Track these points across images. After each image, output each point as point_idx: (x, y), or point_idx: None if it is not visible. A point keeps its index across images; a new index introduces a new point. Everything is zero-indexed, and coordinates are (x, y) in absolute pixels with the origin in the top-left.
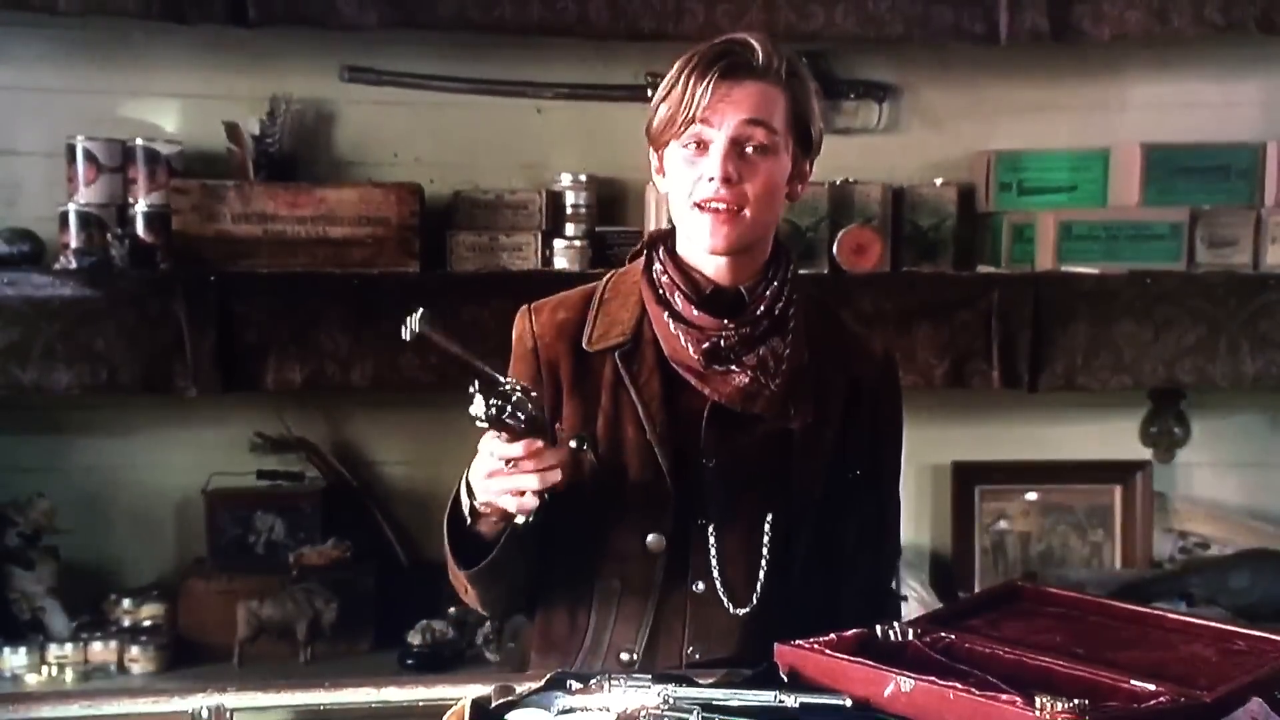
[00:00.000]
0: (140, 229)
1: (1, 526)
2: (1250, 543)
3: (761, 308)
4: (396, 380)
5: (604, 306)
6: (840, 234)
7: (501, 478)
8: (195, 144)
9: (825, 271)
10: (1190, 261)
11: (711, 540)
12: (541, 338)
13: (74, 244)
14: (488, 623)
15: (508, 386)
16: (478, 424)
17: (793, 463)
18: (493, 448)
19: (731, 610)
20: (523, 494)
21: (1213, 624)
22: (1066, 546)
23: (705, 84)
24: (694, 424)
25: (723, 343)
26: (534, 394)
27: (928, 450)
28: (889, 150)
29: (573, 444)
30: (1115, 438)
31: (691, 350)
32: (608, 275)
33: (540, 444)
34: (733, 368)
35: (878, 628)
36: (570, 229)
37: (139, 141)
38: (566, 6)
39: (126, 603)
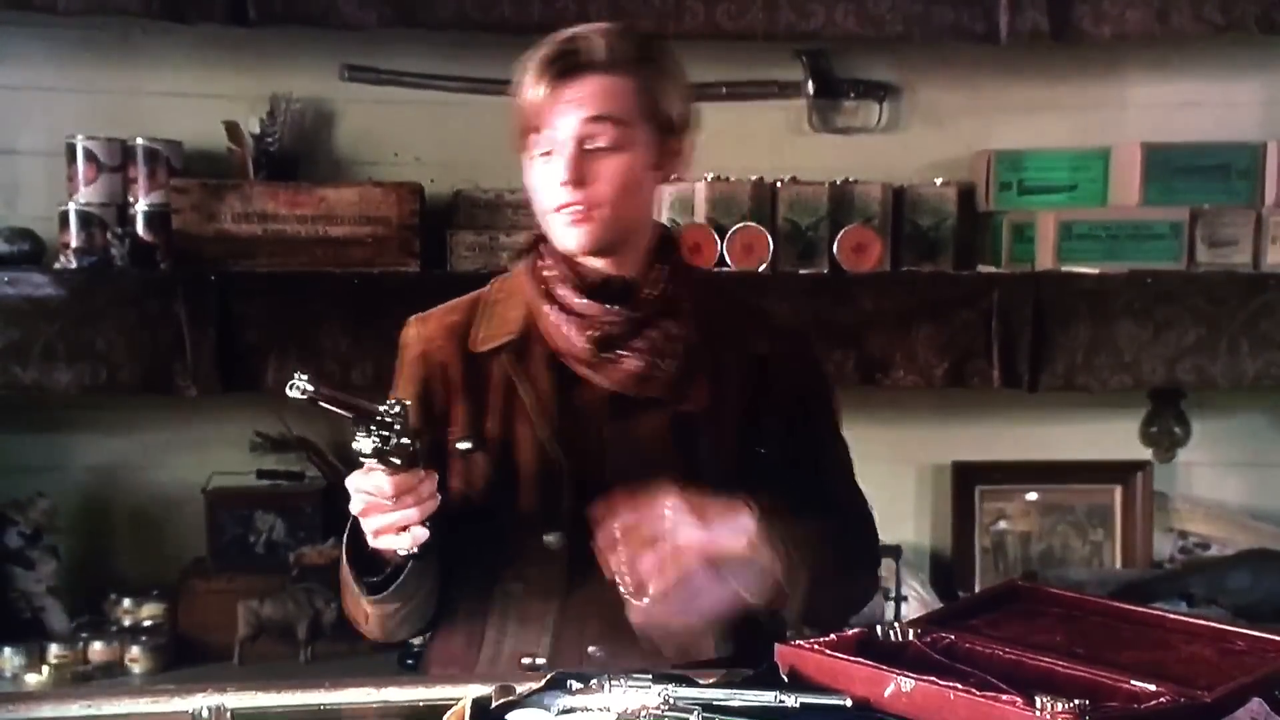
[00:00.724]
0: (140, 228)
1: (2, 526)
2: (1250, 543)
3: (651, 292)
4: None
5: (491, 308)
6: (840, 233)
7: (381, 515)
8: (195, 143)
9: (825, 271)
10: (1190, 261)
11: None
12: (431, 341)
13: (74, 243)
14: None
15: (388, 416)
16: (362, 460)
17: (693, 446)
18: (364, 484)
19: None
20: (406, 528)
21: (1213, 624)
22: (1067, 546)
23: (541, 89)
24: (589, 416)
25: (612, 329)
26: (407, 413)
27: (928, 450)
28: (889, 150)
29: (462, 447)
30: (1115, 437)
31: (578, 340)
32: (494, 279)
33: (418, 476)
34: (622, 353)
35: (878, 628)
36: None
37: (139, 141)
38: (567, 6)
39: (126, 602)
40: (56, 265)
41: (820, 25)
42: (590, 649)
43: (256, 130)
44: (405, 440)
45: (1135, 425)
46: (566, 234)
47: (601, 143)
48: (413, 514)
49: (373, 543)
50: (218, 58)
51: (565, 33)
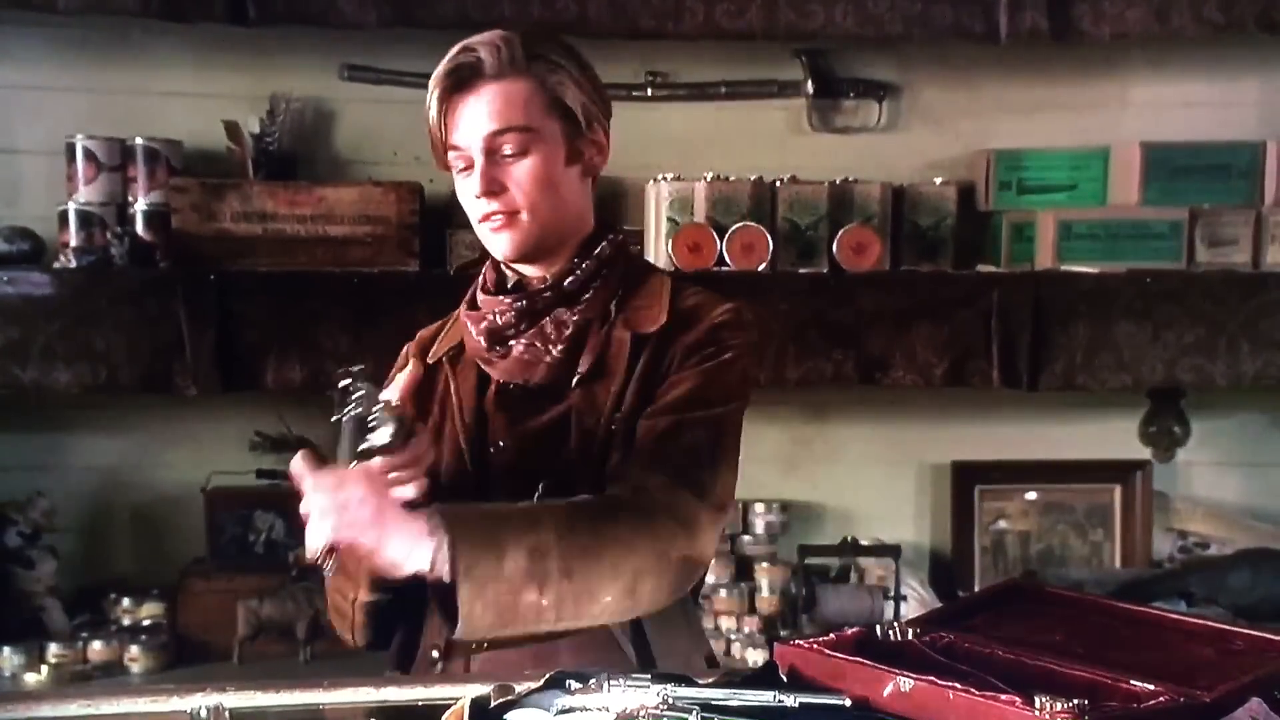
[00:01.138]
0: (140, 228)
1: (1, 525)
2: (1250, 542)
3: (544, 282)
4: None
5: (454, 322)
6: (840, 233)
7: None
8: (195, 143)
9: (825, 270)
10: (1190, 261)
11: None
12: (407, 356)
13: (74, 243)
14: None
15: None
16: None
17: (571, 427)
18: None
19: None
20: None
21: (1212, 623)
22: (1066, 546)
23: (441, 108)
24: (493, 411)
25: (500, 319)
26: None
27: (927, 450)
28: (889, 149)
29: None
30: (1115, 437)
31: (475, 334)
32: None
33: (419, 449)
34: (512, 343)
35: (877, 627)
36: None
37: (139, 140)
38: (566, 5)
39: (126, 602)
40: (56, 265)
41: (820, 25)
42: (472, 645)
43: (256, 130)
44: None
45: (1135, 425)
46: (493, 242)
47: (509, 149)
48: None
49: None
50: (217, 57)
51: (458, 45)
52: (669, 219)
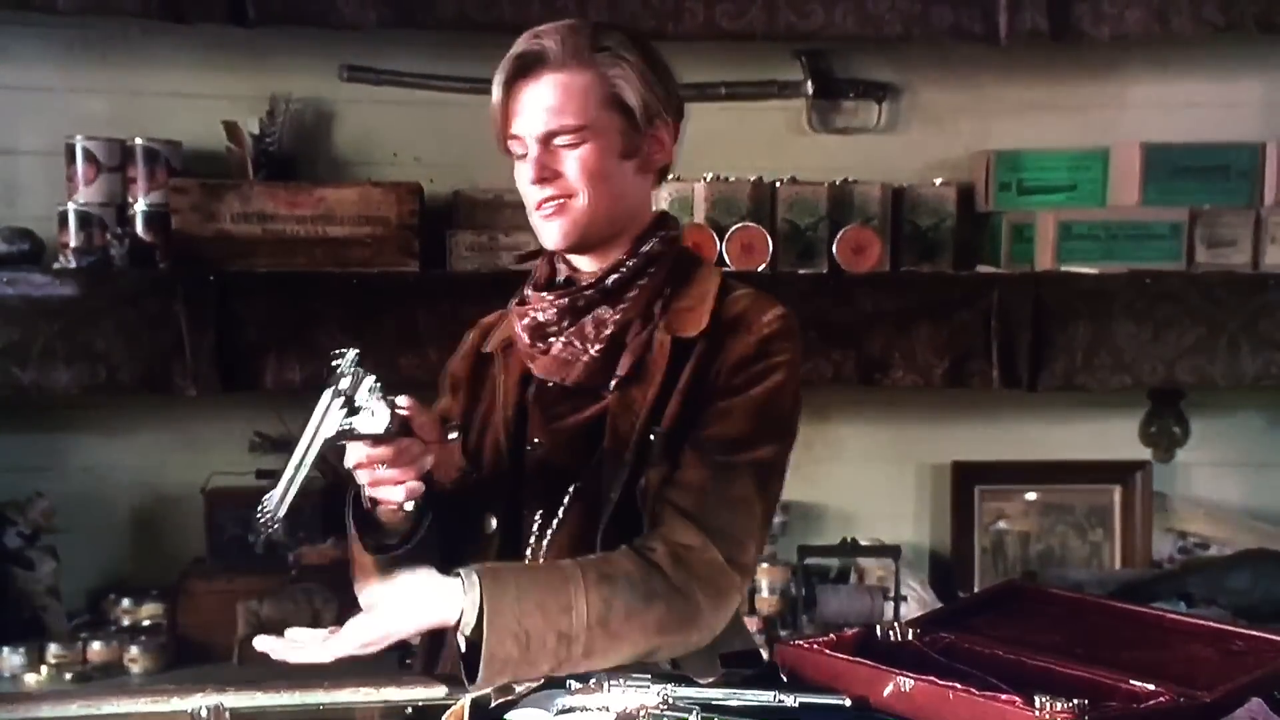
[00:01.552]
0: (140, 228)
1: (1, 526)
2: (1250, 543)
3: (589, 280)
4: (395, 380)
5: (511, 314)
6: (840, 234)
7: (375, 475)
8: (195, 143)
9: (824, 271)
10: (1190, 261)
11: (536, 521)
12: (472, 341)
13: (73, 243)
14: None
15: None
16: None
17: (605, 427)
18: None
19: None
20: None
21: (1212, 624)
22: (1066, 546)
23: (504, 94)
24: (533, 406)
25: (541, 316)
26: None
27: (927, 450)
28: (888, 150)
29: (451, 436)
30: (1115, 437)
31: (519, 329)
32: None
33: (400, 443)
34: (552, 340)
35: (877, 628)
36: None
37: (138, 141)
38: (566, 6)
39: (126, 602)
40: (56, 265)
41: (819, 25)
42: None
43: (256, 130)
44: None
45: (1135, 425)
46: (546, 229)
47: (565, 139)
48: (407, 473)
49: (369, 493)
50: (217, 58)
51: (528, 32)
52: None
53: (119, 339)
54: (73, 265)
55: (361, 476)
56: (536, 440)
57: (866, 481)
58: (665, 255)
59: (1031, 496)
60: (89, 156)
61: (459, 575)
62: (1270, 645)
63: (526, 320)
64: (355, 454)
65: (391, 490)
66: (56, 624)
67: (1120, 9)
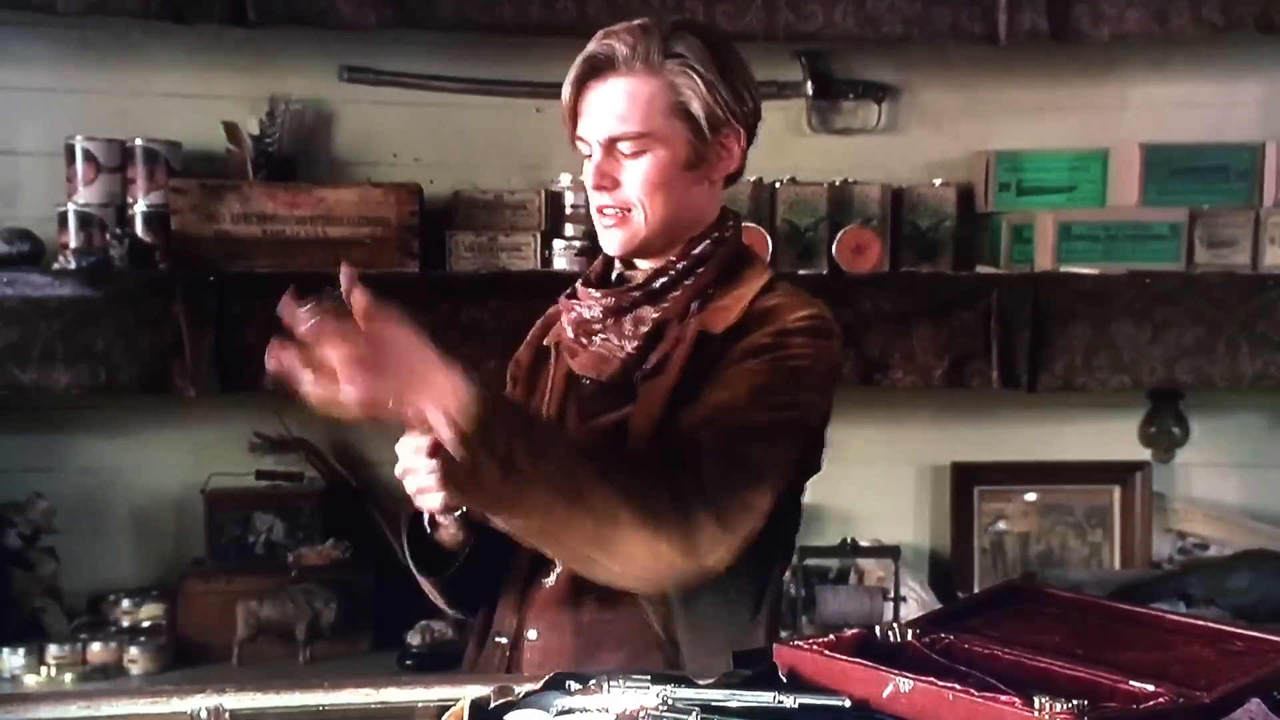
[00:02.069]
0: (139, 229)
1: (1, 527)
2: (1249, 543)
3: (637, 279)
4: None
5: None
6: (839, 234)
7: (415, 475)
8: (194, 144)
9: (824, 272)
10: (1189, 262)
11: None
12: (537, 330)
13: (73, 244)
14: None
15: None
16: None
17: (631, 419)
18: (403, 444)
19: (542, 579)
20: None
21: (1211, 624)
22: (1065, 547)
23: (574, 93)
24: (574, 403)
25: (587, 313)
26: None
27: (926, 450)
28: (888, 150)
29: None
30: (1114, 438)
31: (566, 324)
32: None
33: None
34: (596, 338)
35: (877, 628)
36: (569, 229)
37: (138, 141)
38: (566, 6)
39: (125, 603)
40: (55, 266)
41: (819, 26)
42: (530, 633)
43: (255, 131)
44: None
45: (1134, 426)
46: (606, 237)
47: (627, 146)
48: (427, 479)
49: (416, 502)
50: (217, 58)
51: (602, 31)
52: None
53: (119, 340)
54: (72, 266)
55: (407, 484)
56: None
57: (866, 482)
58: (716, 255)
59: (1031, 497)
60: (89, 157)
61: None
62: (1270, 646)
63: (573, 315)
64: (400, 465)
65: (427, 497)
66: (56, 625)
67: (1120, 9)
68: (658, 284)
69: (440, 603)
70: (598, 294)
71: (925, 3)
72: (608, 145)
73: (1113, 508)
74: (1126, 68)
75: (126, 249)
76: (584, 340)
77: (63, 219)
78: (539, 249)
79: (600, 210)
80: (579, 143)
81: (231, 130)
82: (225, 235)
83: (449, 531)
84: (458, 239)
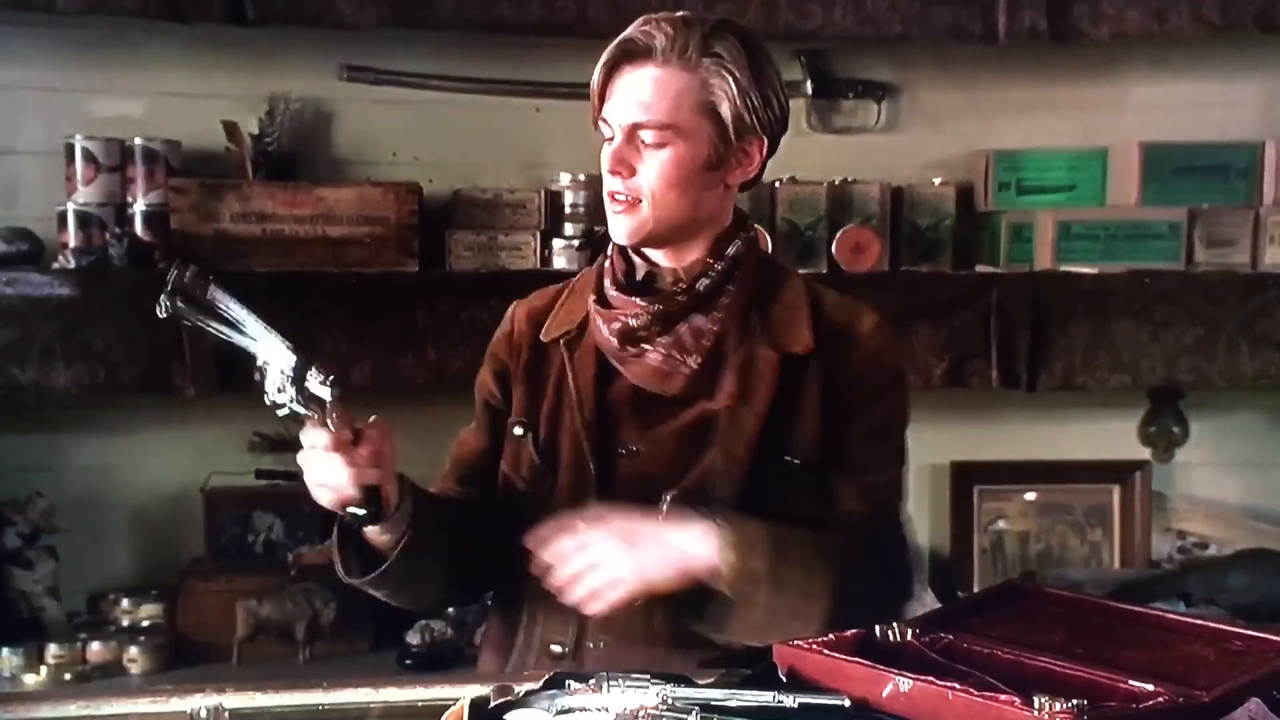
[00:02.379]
0: (139, 228)
1: (0, 526)
2: (1249, 542)
3: (681, 285)
4: (395, 380)
5: (569, 299)
6: (839, 233)
7: (314, 469)
8: (194, 143)
9: (824, 271)
10: (1189, 261)
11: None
12: (518, 324)
13: (72, 243)
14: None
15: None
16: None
17: (709, 445)
18: (305, 436)
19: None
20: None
21: (1211, 624)
22: (1065, 546)
23: (604, 74)
24: (618, 410)
25: (633, 322)
26: (332, 378)
27: (926, 450)
28: (887, 150)
29: (516, 431)
30: (1114, 437)
31: (606, 331)
32: (584, 268)
33: (346, 435)
34: (646, 348)
35: (876, 628)
36: (569, 228)
37: (137, 141)
38: (566, 5)
39: (125, 602)
40: (55, 265)
41: (819, 25)
42: (590, 642)
43: (255, 130)
44: (302, 390)
45: (1134, 425)
46: (614, 222)
47: (650, 136)
48: (340, 474)
49: (313, 496)
50: (216, 57)
51: (643, 18)
52: None
53: (118, 339)
54: (72, 265)
55: (306, 477)
56: (634, 447)
57: None
58: (749, 259)
59: (1030, 496)
60: (88, 156)
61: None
62: (1269, 645)
63: (617, 325)
64: (302, 454)
65: (323, 494)
66: (56, 624)
67: (1119, 9)
68: (701, 288)
69: (395, 602)
70: (643, 302)
71: (925, 2)
72: (630, 132)
73: (1112, 507)
74: (1126, 67)
75: (126, 248)
76: (633, 348)
77: (62, 218)
78: (538, 248)
79: (612, 195)
80: (601, 124)
81: (231, 129)
82: (225, 234)
83: (374, 531)
84: (457, 238)
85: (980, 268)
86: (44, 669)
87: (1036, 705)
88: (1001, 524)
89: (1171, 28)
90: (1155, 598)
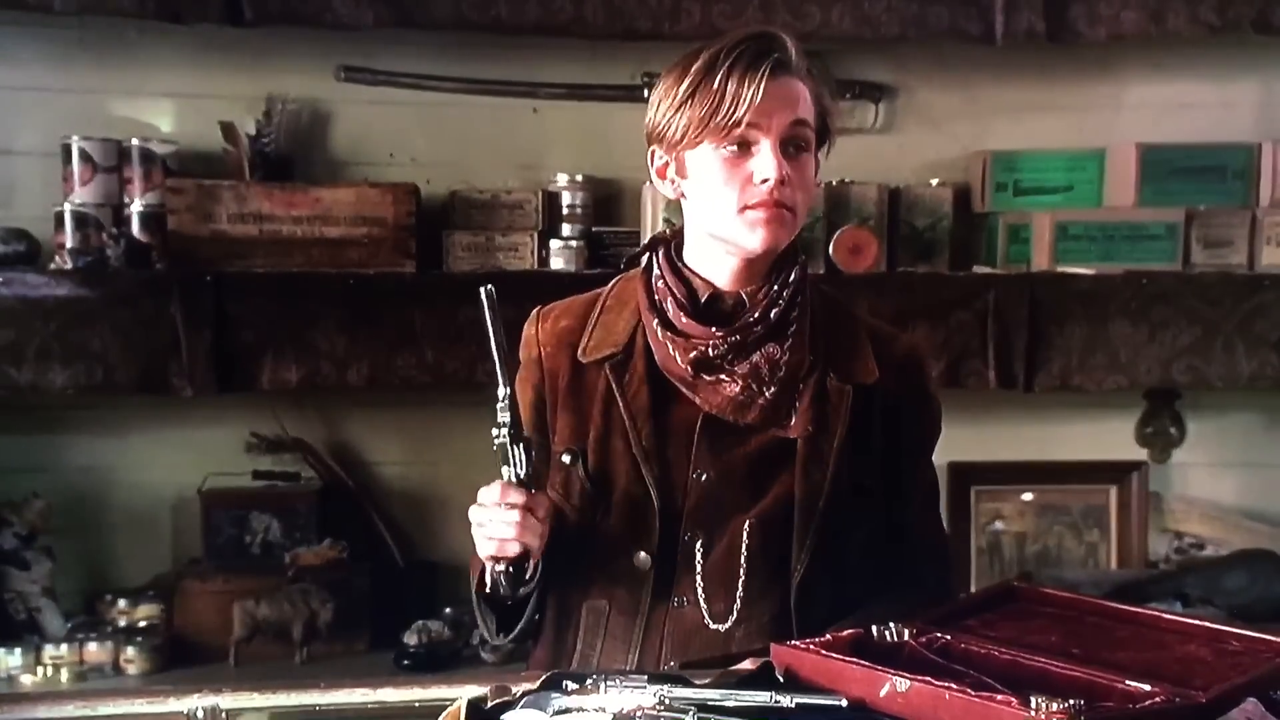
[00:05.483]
0: (136, 229)
1: None
2: (1246, 543)
3: (755, 314)
4: (392, 380)
5: (604, 315)
6: (836, 234)
7: (485, 524)
8: (191, 144)
9: (821, 272)
10: (1186, 262)
11: (698, 556)
12: (544, 346)
13: (69, 244)
14: None
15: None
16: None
17: (787, 474)
18: (483, 495)
19: (711, 625)
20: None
21: (1208, 624)
22: (1062, 547)
23: (755, 84)
24: (685, 436)
25: (711, 351)
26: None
27: None
28: (885, 150)
29: (565, 459)
30: (1111, 438)
31: (680, 359)
32: (613, 281)
33: (522, 498)
34: (723, 377)
35: (874, 628)
36: (566, 229)
37: (134, 141)
38: (563, 6)
39: (122, 603)
40: (52, 266)
41: (816, 26)
42: (665, 668)
43: (252, 131)
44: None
45: (1131, 426)
46: (753, 234)
47: (799, 145)
48: (506, 529)
49: (479, 552)
50: (213, 58)
51: (754, 31)
52: (665, 220)
53: (115, 339)
54: (69, 266)
55: (476, 533)
56: (705, 475)
57: None
58: (804, 283)
59: (1028, 497)
60: (85, 157)
61: None
62: (1266, 645)
63: (694, 354)
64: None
65: (489, 546)
66: (53, 625)
67: (1116, 10)
68: (773, 315)
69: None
70: (720, 332)
71: (922, 3)
72: (783, 140)
73: (1109, 508)
74: (1123, 68)
75: (123, 249)
76: (707, 376)
77: (59, 219)
78: (536, 249)
79: (756, 205)
80: (738, 132)
81: (228, 130)
82: (222, 235)
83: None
84: (455, 239)
85: (977, 268)
86: (41, 670)
87: (1034, 705)
88: (998, 524)
89: (1168, 29)
90: (1152, 598)
